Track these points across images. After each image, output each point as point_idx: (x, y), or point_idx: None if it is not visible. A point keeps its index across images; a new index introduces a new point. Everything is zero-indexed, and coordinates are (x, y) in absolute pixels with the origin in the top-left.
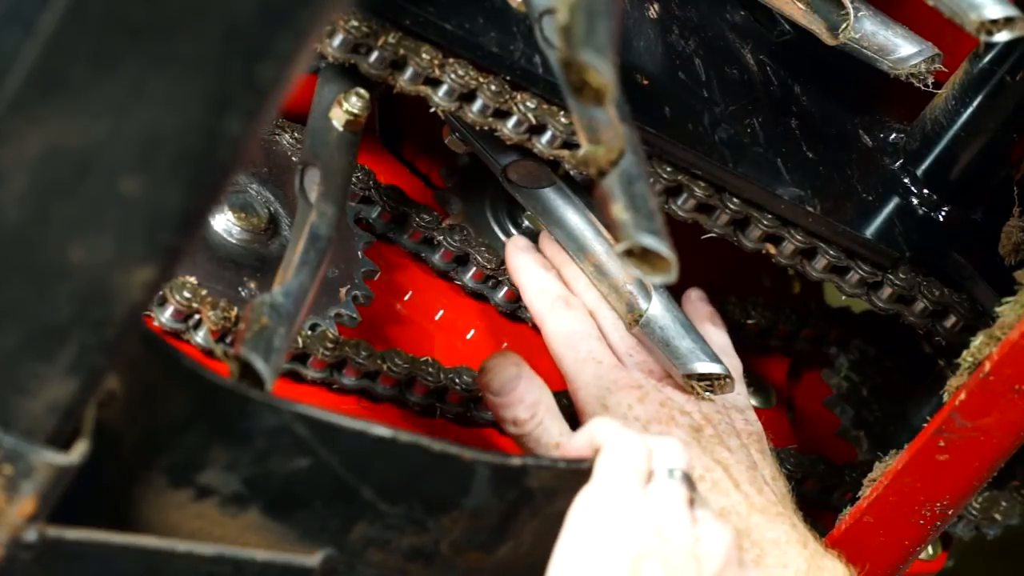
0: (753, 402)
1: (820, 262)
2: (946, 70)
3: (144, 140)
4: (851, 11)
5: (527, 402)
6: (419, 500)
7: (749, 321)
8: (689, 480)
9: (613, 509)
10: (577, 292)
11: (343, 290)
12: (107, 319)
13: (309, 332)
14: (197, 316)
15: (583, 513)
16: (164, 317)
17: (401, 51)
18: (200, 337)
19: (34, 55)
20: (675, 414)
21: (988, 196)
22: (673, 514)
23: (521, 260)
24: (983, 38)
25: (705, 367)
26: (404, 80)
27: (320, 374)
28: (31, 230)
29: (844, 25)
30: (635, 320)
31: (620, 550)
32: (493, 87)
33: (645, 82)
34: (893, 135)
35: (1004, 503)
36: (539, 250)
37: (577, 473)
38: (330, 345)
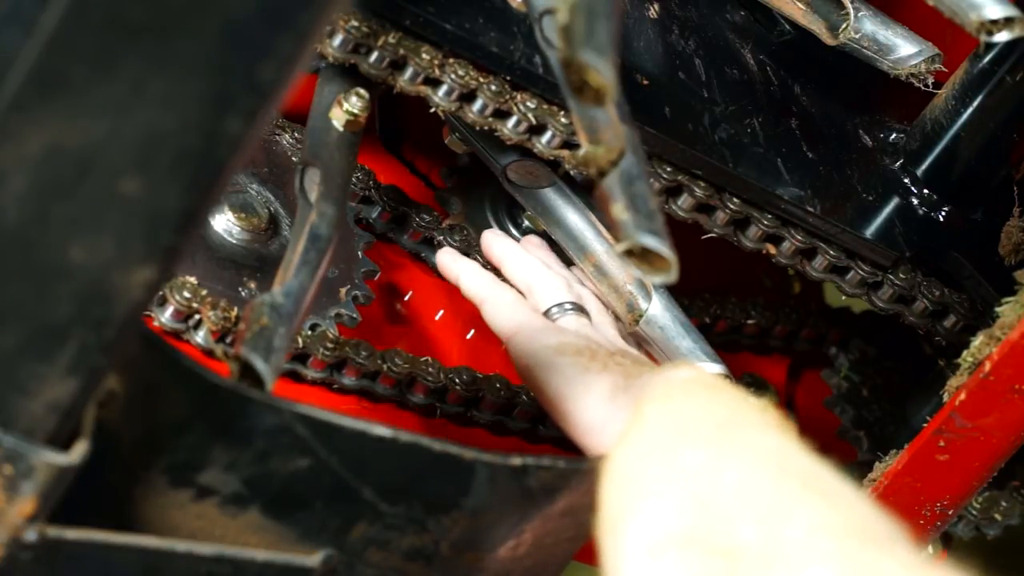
0: None
1: (820, 262)
2: (946, 70)
3: (144, 140)
4: (851, 11)
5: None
6: (419, 500)
7: (749, 321)
8: (580, 309)
9: (538, 332)
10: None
11: (343, 290)
12: (107, 319)
13: (309, 332)
14: (197, 316)
15: (522, 351)
16: (164, 317)
17: (401, 51)
18: (200, 337)
19: (34, 55)
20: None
21: (988, 196)
22: (583, 327)
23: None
24: (983, 38)
25: (706, 367)
26: (404, 80)
27: (320, 374)
28: (31, 230)
29: (844, 25)
30: (635, 320)
31: (570, 349)
32: (493, 87)
33: (645, 82)
34: (893, 135)
35: (1004, 503)
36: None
37: (577, 473)
38: (330, 345)
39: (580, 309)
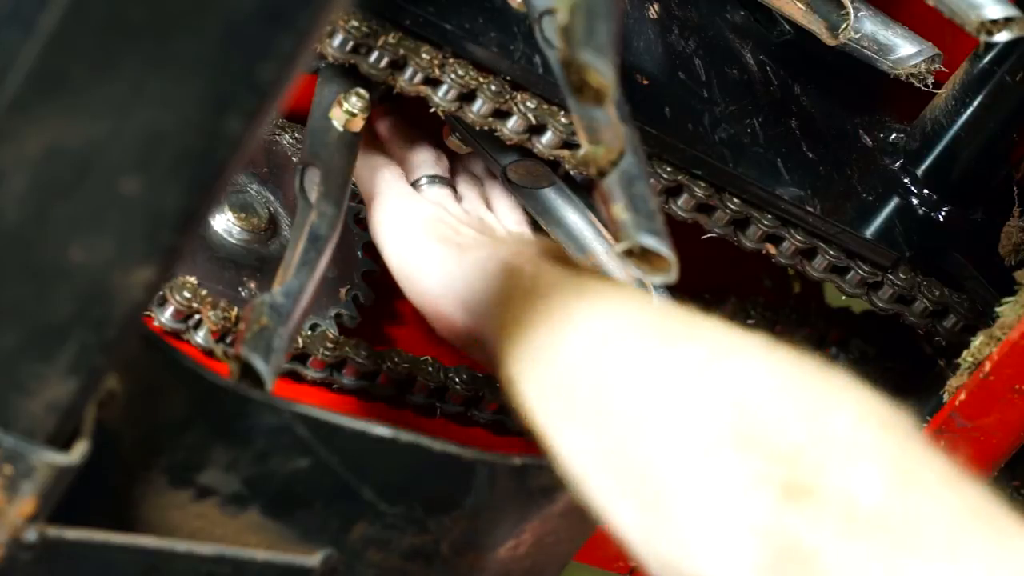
0: None
1: (820, 262)
2: (946, 70)
3: (144, 140)
4: (851, 11)
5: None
6: (419, 500)
7: (749, 321)
8: (444, 180)
9: (393, 198)
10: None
11: (343, 290)
12: (107, 319)
13: (309, 332)
14: (197, 316)
15: (374, 217)
16: (164, 317)
17: (401, 51)
18: (200, 337)
19: (34, 55)
20: None
21: (988, 196)
22: (445, 200)
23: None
24: (983, 38)
25: None
26: (404, 80)
27: (320, 374)
28: (31, 230)
29: (844, 25)
30: None
31: (417, 227)
32: (493, 87)
33: (645, 82)
34: (893, 135)
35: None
36: None
37: None
38: (330, 345)
39: (443, 180)
